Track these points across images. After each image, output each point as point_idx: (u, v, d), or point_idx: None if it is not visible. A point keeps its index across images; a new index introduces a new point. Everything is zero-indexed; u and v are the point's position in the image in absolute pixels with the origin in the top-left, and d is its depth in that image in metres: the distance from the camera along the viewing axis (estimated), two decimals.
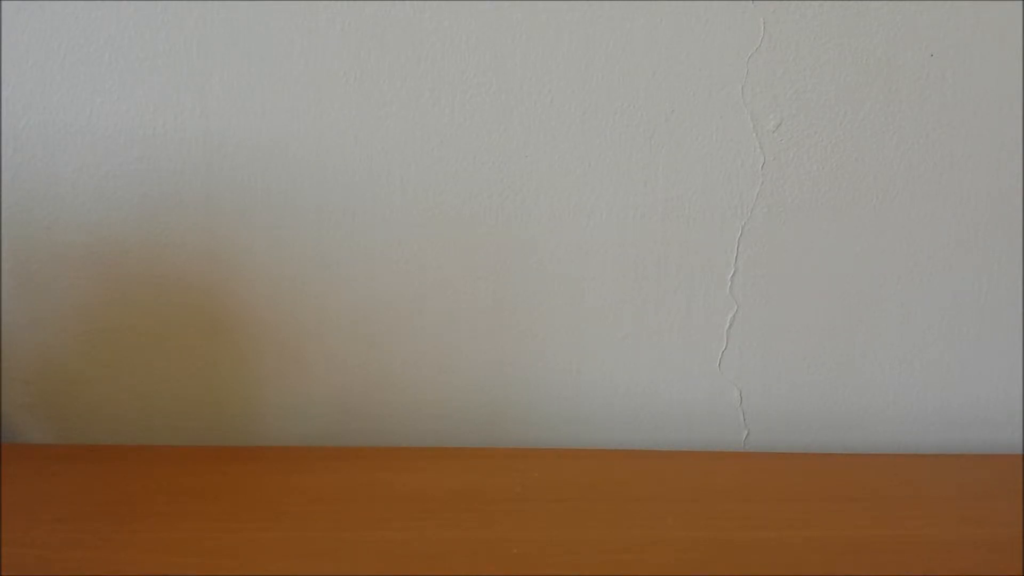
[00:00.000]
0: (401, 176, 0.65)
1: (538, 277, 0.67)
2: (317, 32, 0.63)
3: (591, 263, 0.66)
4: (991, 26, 0.63)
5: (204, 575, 0.50)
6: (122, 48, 0.63)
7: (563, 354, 0.68)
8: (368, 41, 0.63)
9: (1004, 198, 0.66)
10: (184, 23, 0.62)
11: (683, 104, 0.64)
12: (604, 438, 0.69)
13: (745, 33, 0.63)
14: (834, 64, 0.63)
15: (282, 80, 0.63)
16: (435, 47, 0.63)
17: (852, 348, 0.68)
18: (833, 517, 0.56)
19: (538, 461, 0.63)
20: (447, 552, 0.52)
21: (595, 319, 0.67)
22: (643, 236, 0.66)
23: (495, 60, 0.63)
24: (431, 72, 0.63)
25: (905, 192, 0.66)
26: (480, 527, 0.55)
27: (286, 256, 0.66)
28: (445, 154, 0.65)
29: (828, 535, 0.54)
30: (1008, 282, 0.67)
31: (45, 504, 0.57)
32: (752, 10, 0.63)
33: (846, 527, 0.55)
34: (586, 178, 0.65)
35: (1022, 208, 0.66)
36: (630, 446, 0.67)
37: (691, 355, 0.68)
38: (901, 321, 0.68)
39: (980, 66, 0.64)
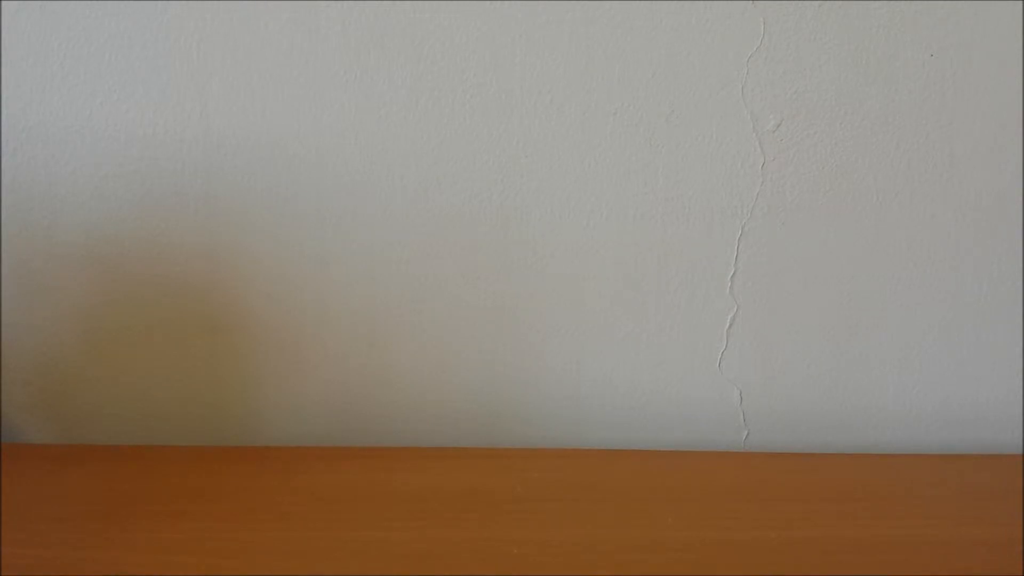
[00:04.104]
0: (401, 176, 0.65)
1: (538, 277, 0.67)
2: (317, 32, 0.63)
3: (591, 263, 0.66)
4: (991, 26, 0.63)
5: (204, 575, 0.50)
6: (122, 48, 0.63)
7: (563, 354, 0.68)
8: (368, 41, 0.63)
9: (1004, 198, 0.66)
10: (184, 23, 0.62)
11: (683, 104, 0.64)
12: (604, 438, 0.69)
13: (745, 33, 0.63)
14: (834, 64, 0.63)
15: (282, 80, 0.63)
16: (435, 47, 0.63)
17: (852, 348, 0.68)
18: (833, 517, 0.56)
19: (538, 461, 0.63)
20: (447, 552, 0.52)
21: (595, 319, 0.67)
22: (643, 236, 0.66)
23: (495, 60, 0.63)
24: (431, 72, 0.63)
25: (905, 192, 0.66)
26: (480, 527, 0.55)
27: (286, 256, 0.66)
28: (445, 154, 0.65)
29: (828, 535, 0.54)
30: (1008, 282, 0.67)
31: (45, 504, 0.57)
32: (752, 10, 0.63)
33: (846, 527, 0.55)
34: (586, 178, 0.65)
35: (1022, 208, 0.66)
36: (630, 446, 0.67)
37: (691, 355, 0.68)
38: (901, 321, 0.68)
39: (980, 66, 0.64)
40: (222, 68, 0.63)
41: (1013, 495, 0.59)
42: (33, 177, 0.64)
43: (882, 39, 0.63)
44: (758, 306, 0.67)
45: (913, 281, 0.67)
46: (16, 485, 0.59)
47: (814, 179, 0.65)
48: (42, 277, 0.66)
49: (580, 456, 0.64)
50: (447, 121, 0.64)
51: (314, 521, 0.55)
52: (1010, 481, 0.61)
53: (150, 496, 0.58)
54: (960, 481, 0.61)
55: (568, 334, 0.68)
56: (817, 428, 0.69)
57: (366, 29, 0.63)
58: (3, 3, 0.62)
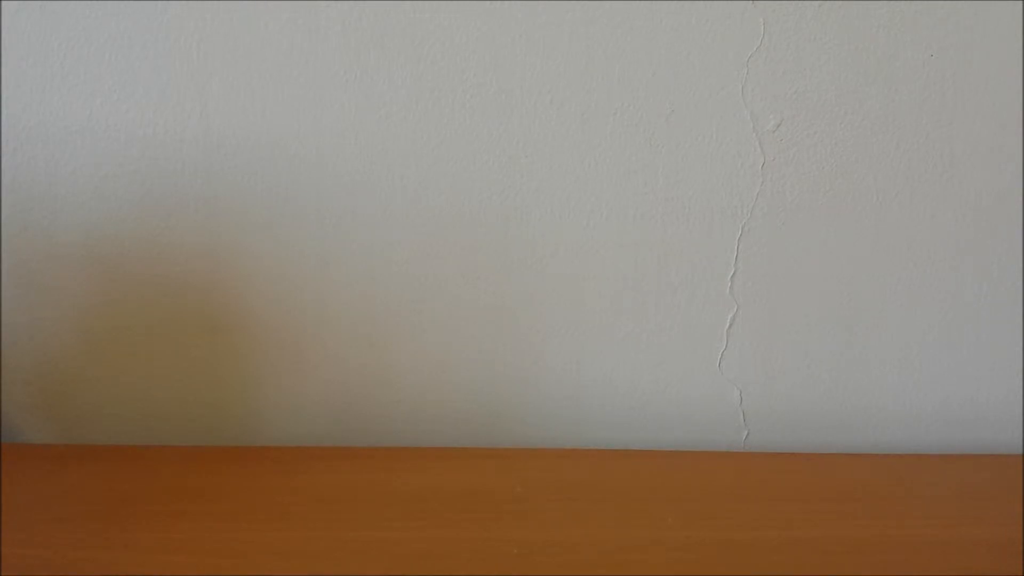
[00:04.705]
0: (401, 176, 0.65)
1: (538, 277, 0.67)
2: (317, 32, 0.63)
3: (591, 263, 0.66)
4: (991, 26, 0.63)
5: (204, 575, 0.50)
6: (122, 48, 0.63)
7: (563, 354, 0.68)
8: (368, 41, 0.63)
9: (1004, 198, 0.66)
10: (184, 23, 0.62)
11: (683, 104, 0.64)
12: (604, 438, 0.69)
13: (745, 33, 0.63)
14: (834, 64, 0.63)
15: (282, 80, 0.63)
16: (435, 47, 0.63)
17: (852, 348, 0.68)
18: (833, 517, 0.56)
19: (538, 461, 0.63)
20: (447, 552, 0.52)
21: (595, 319, 0.67)
22: (643, 236, 0.66)
23: (495, 60, 0.63)
24: (431, 72, 0.63)
25: (905, 192, 0.66)
26: (480, 527, 0.55)
27: (286, 256, 0.66)
28: (445, 154, 0.65)
29: (828, 535, 0.54)
30: (1008, 282, 0.67)
31: (45, 504, 0.57)
32: (752, 10, 0.63)
33: (846, 527, 0.55)
34: (586, 178, 0.65)
35: (1022, 208, 0.66)
36: (630, 446, 0.67)
37: (691, 355, 0.68)
38: (901, 321, 0.68)
39: (980, 66, 0.63)
40: (222, 68, 0.63)
41: (1013, 495, 0.59)
42: (33, 177, 0.64)
43: (882, 39, 0.63)
44: (758, 306, 0.67)
45: (913, 281, 0.67)
46: (16, 485, 0.59)
47: (814, 179, 0.65)
48: (42, 277, 0.66)
49: (580, 456, 0.64)
50: (447, 121, 0.64)
51: (314, 521, 0.55)
52: (1010, 481, 0.61)
53: (150, 496, 0.58)
54: (960, 481, 0.61)
55: (568, 334, 0.68)
56: (817, 428, 0.69)
57: (366, 29, 0.63)
58: (3, 3, 0.62)
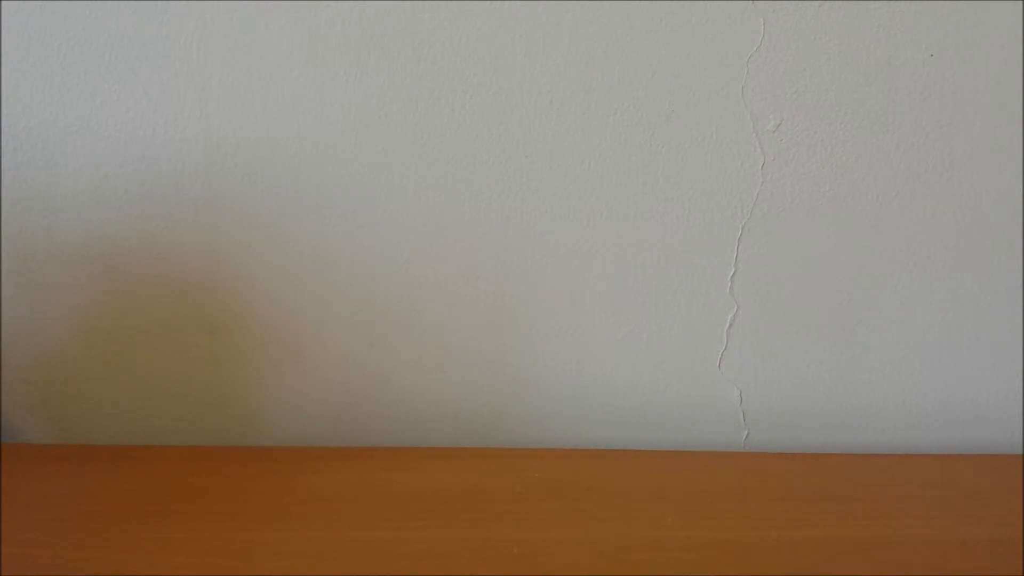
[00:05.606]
0: (401, 176, 0.65)
1: (538, 277, 0.67)
2: (317, 32, 0.63)
3: (591, 263, 0.66)
4: (991, 26, 0.63)
5: (204, 575, 0.50)
6: (122, 48, 0.63)
7: (563, 354, 0.68)
8: (368, 41, 0.63)
9: (1004, 198, 0.66)
10: (184, 23, 0.62)
11: (683, 104, 0.64)
12: (604, 438, 0.69)
13: (745, 33, 0.63)
14: (834, 64, 0.63)
15: (282, 80, 0.63)
16: (435, 47, 0.63)
17: (852, 348, 0.68)
18: (833, 517, 0.56)
19: (538, 461, 0.63)
20: (447, 552, 0.52)
21: (595, 319, 0.67)
22: (643, 236, 0.66)
23: (495, 60, 0.63)
24: (431, 72, 0.63)
25: (905, 192, 0.66)
26: (480, 527, 0.55)
27: (286, 256, 0.66)
28: (445, 154, 0.65)
29: (828, 535, 0.54)
30: (1008, 282, 0.67)
31: (45, 504, 0.57)
32: (752, 10, 0.63)
33: (846, 527, 0.55)
34: (586, 178, 0.65)
35: (1022, 208, 0.66)
36: (630, 446, 0.67)
37: (691, 355, 0.68)
38: (901, 321, 0.68)
39: (980, 66, 0.64)
40: (222, 68, 0.63)
41: (1013, 495, 0.59)
42: (33, 177, 0.64)
43: (882, 39, 0.63)
44: (758, 306, 0.67)
45: (913, 281, 0.67)
46: (16, 485, 0.59)
47: (814, 179, 0.65)
48: (42, 277, 0.66)
49: (580, 456, 0.64)
50: (447, 121, 0.64)
51: (314, 521, 0.55)
52: (1010, 481, 0.61)
53: (150, 496, 0.58)
54: (960, 481, 0.61)
55: (568, 334, 0.68)
56: (817, 428, 0.69)
57: (366, 29, 0.63)
58: (3, 3, 0.62)
